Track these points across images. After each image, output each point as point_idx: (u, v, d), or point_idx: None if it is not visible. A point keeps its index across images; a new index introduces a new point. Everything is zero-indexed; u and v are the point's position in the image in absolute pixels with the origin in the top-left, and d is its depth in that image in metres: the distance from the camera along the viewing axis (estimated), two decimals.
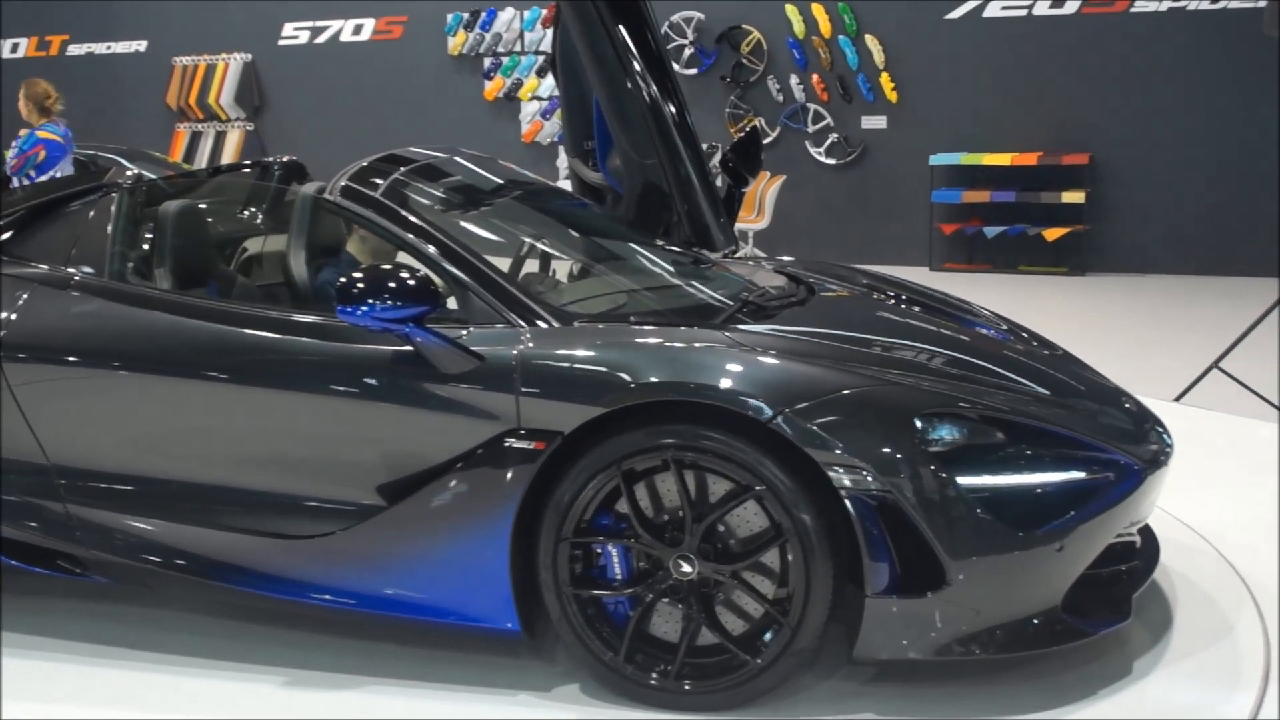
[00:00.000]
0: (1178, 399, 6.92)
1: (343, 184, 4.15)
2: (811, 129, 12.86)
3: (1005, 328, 4.67)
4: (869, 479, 3.34)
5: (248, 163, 5.54)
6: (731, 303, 4.19)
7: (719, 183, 5.33)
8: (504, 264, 4.62)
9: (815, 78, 12.77)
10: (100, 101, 15.08)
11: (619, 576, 3.62)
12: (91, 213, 4.43)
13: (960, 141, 12.25)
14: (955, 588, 3.35)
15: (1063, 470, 3.56)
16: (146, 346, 4.05)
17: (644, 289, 4.36)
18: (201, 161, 14.88)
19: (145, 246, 4.45)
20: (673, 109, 5.03)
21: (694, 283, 4.53)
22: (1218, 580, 4.35)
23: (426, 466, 3.69)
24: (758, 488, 3.41)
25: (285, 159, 5.27)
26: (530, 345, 3.68)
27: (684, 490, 3.49)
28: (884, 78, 12.50)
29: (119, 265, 4.30)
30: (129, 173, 4.66)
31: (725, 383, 3.47)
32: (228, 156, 14.93)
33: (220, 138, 15.24)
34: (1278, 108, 10.93)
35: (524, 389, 3.58)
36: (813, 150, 12.86)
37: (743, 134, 5.66)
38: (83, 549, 4.09)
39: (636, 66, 4.95)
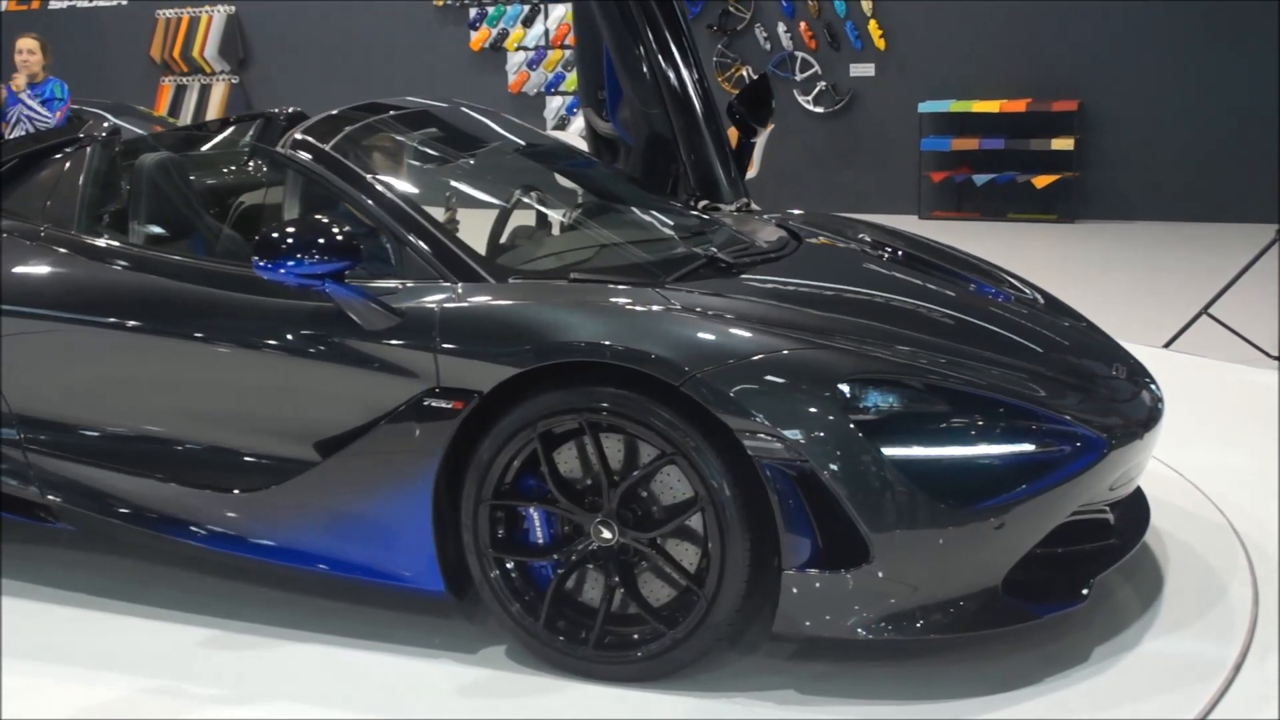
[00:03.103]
0: (1167, 345, 6.91)
1: (297, 136, 4.08)
2: (799, 77, 12.75)
3: (1009, 285, 4.51)
4: (786, 447, 3.18)
5: (253, 114, 5.49)
6: (700, 258, 4.06)
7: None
8: (485, 219, 4.60)
9: (803, 25, 12.65)
10: (83, 55, 14.90)
11: (540, 541, 3.55)
12: (66, 165, 4.43)
13: (948, 89, 12.15)
14: (879, 564, 3.19)
15: (1009, 443, 3.35)
16: (93, 298, 4.06)
17: (616, 245, 4.27)
18: (187, 115, 14.76)
19: (122, 199, 4.46)
20: (679, 57, 4.94)
21: (672, 239, 4.42)
22: (1207, 527, 4.33)
23: (353, 424, 3.64)
24: (671, 454, 3.30)
25: (290, 110, 5.25)
26: (453, 302, 3.61)
27: (599, 454, 3.39)
28: (872, 25, 12.37)
29: (88, 218, 4.30)
30: (105, 125, 4.62)
31: (638, 344, 3.32)
32: (213, 110, 14.80)
33: (205, 91, 15.08)
34: (1278, 52, 10.80)
35: (442, 347, 3.51)
36: (801, 99, 12.75)
37: (752, 82, 5.51)
38: (40, 496, 4.14)
39: (641, 11, 4.86)
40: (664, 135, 4.99)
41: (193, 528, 3.93)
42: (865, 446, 3.19)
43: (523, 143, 4.95)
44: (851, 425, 3.21)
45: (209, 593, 4.12)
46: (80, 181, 4.35)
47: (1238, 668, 3.43)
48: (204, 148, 5.31)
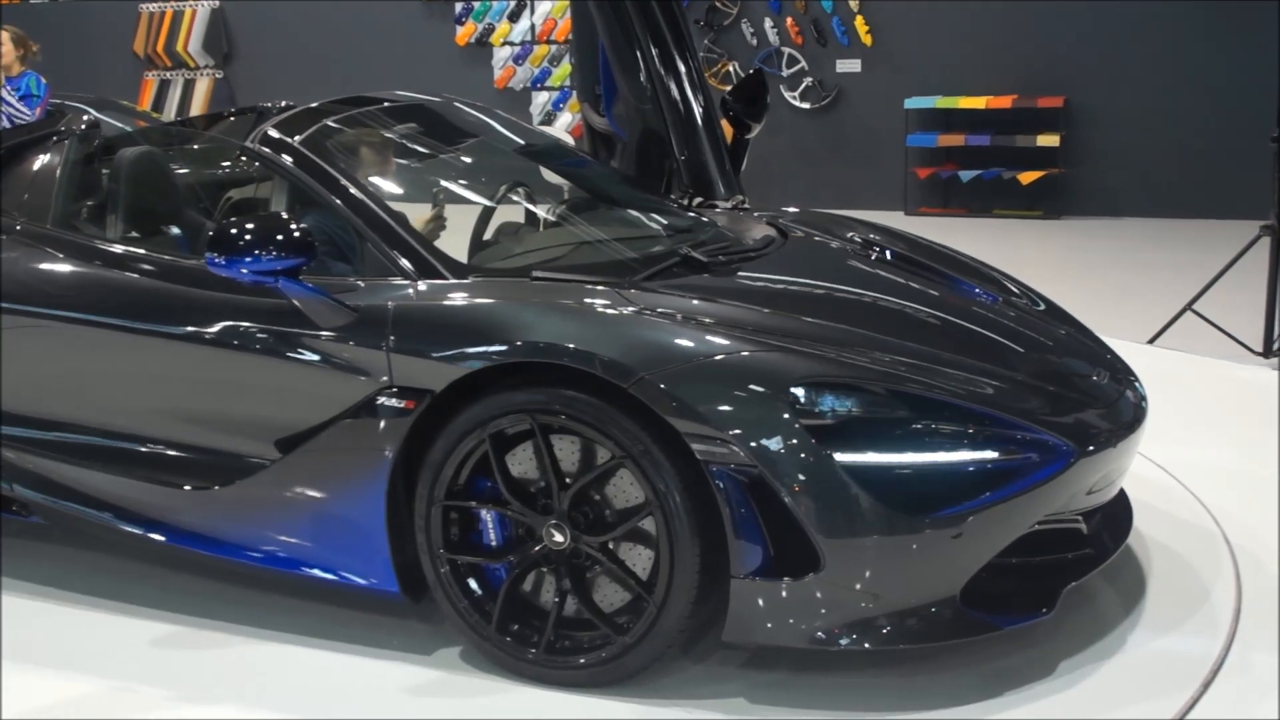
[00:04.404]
0: (1151, 341, 6.88)
1: (267, 130, 4.03)
2: (786, 73, 12.74)
3: (1006, 289, 4.44)
4: (736, 451, 3.09)
5: (246, 108, 5.46)
6: (674, 257, 4.00)
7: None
8: (473, 216, 4.58)
9: (789, 21, 12.63)
10: (65, 49, 14.82)
11: (494, 543, 3.51)
12: (43, 159, 4.41)
13: (935, 85, 12.15)
14: (830, 572, 3.10)
15: (969, 450, 3.24)
16: (54, 293, 4.06)
17: (592, 242, 4.23)
18: (171, 110, 14.69)
19: (101, 194, 4.43)
20: (675, 51, 4.91)
21: (652, 237, 4.38)
22: (1191, 524, 4.30)
23: (309, 422, 3.61)
24: (621, 457, 3.24)
25: (284, 104, 5.22)
26: (408, 300, 3.58)
27: (550, 455, 3.34)
28: (858, 20, 12.36)
29: (64, 212, 4.28)
30: (85, 119, 4.60)
31: (588, 344, 3.26)
32: (197, 105, 14.74)
33: (189, 86, 15.03)
34: (1277, 47, 10.78)
35: (395, 345, 3.46)
36: (787, 94, 12.74)
37: (746, 77, 5.47)
38: (8, 490, 4.13)
39: (638, 7, 4.84)
40: (658, 131, 4.94)
41: (152, 523, 3.92)
42: (816, 452, 3.10)
43: (511, 138, 4.91)
44: (803, 430, 3.13)
45: (172, 588, 4.09)
46: (57, 175, 4.33)
47: (1218, 668, 3.40)
48: (192, 143, 5.29)
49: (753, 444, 3.10)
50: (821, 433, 3.15)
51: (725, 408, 3.15)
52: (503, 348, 3.33)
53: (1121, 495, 3.90)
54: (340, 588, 3.66)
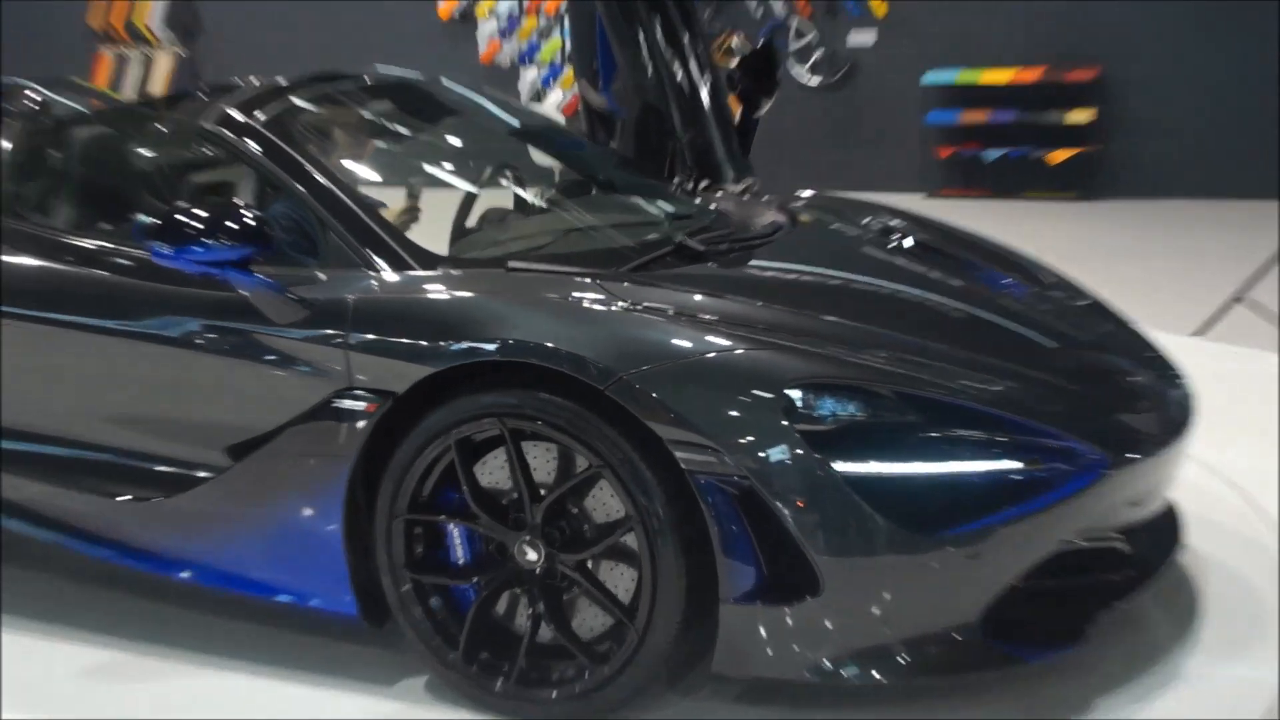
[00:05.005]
0: (1197, 334, 6.85)
1: (224, 108, 4.02)
2: (794, 46, 12.73)
3: (1029, 276, 4.38)
4: (724, 460, 3.02)
5: (218, 86, 5.42)
6: (667, 245, 3.97)
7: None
8: (452, 200, 4.62)
9: None
10: (11, 21, 14.78)
11: (461, 561, 3.47)
12: None
13: (956, 57, 12.13)
14: (830, 596, 3.02)
15: (988, 460, 3.16)
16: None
17: (580, 230, 4.21)
18: (129, 89, 14.69)
19: (52, 179, 4.41)
20: (678, 21, 4.87)
21: (646, 224, 4.35)
22: (1249, 535, 4.23)
23: (262, 427, 3.58)
24: (599, 466, 3.18)
25: (260, 80, 5.17)
26: (370, 293, 3.54)
27: (521, 464, 3.29)
28: None
29: (9, 198, 4.23)
30: (32, 98, 4.61)
31: (560, 342, 3.21)
32: (157, 83, 14.73)
33: (149, 63, 15.02)
34: None
35: (354, 342, 3.43)
36: (796, 69, 12.75)
37: (755, 50, 5.43)
38: None
39: None
40: (659, 109, 4.94)
41: (89, 537, 3.89)
42: (814, 461, 3.02)
43: (499, 117, 4.95)
44: (800, 436, 3.05)
45: (106, 610, 4.07)
46: (2, 159, 4.28)
47: None
48: (151, 124, 5.24)
49: (743, 452, 3.02)
50: (821, 440, 3.07)
51: (713, 412, 3.08)
52: (470, 345, 3.28)
53: (1169, 506, 3.80)
54: (295, 610, 3.61)
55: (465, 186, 4.67)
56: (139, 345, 3.77)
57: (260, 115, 4.01)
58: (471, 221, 4.68)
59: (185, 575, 3.75)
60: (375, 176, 4.23)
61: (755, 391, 3.12)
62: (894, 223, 4.66)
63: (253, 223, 3.46)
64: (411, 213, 4.33)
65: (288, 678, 3.66)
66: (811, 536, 3.00)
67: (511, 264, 3.68)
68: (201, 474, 3.72)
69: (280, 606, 3.62)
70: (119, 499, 3.82)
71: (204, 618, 3.97)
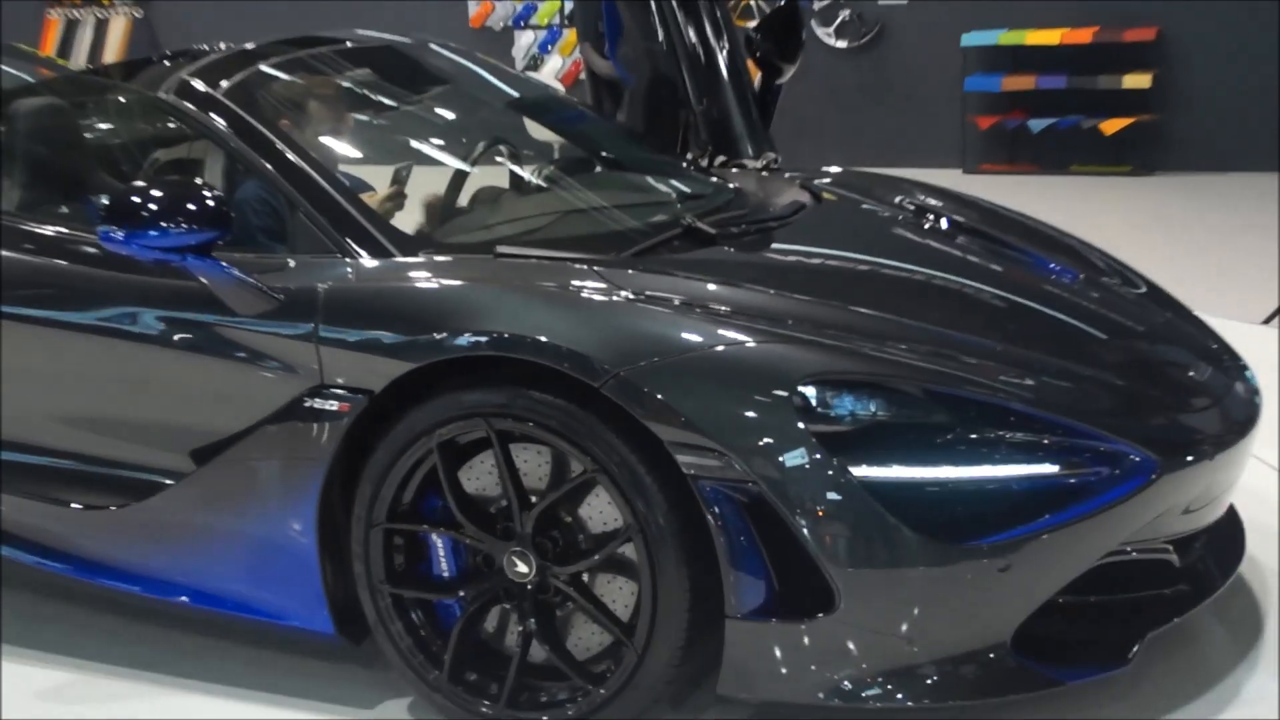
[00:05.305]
0: (1267, 321, 6.83)
1: (183, 76, 4.01)
2: (817, 5, 12.72)
3: (1080, 261, 4.38)
4: (732, 465, 3.03)
5: (180, 53, 5.44)
6: (675, 228, 3.99)
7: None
8: (440, 179, 4.61)
9: None
10: None
11: (446, 574, 3.48)
12: None
13: (998, 17, 12.12)
14: (846, 612, 3.03)
15: (1023, 464, 3.16)
16: None
17: (580, 211, 4.25)
18: (80, 55, 14.69)
19: None
20: None
21: (653, 204, 4.37)
22: None
23: (227, 429, 3.58)
24: (593, 470, 3.19)
25: (227, 45, 5.19)
26: (344, 282, 3.56)
27: (509, 468, 3.30)
28: None
29: None
30: None
31: (551, 335, 3.21)
32: (111, 49, 14.76)
33: (102, 26, 15.06)
34: None
35: (326, 336, 3.44)
36: (820, 31, 12.75)
37: (775, 9, 5.44)
38: None
39: None
40: (671, 77, 4.94)
41: (47, 550, 3.91)
42: (829, 465, 3.03)
43: (494, 86, 4.97)
44: (812, 437, 3.06)
45: (69, 627, 4.08)
46: None
47: None
48: (105, 94, 5.26)
49: (752, 456, 3.03)
50: (839, 442, 3.08)
51: (719, 412, 3.09)
52: (453, 339, 3.28)
53: (1231, 513, 3.82)
54: (266, 627, 3.63)
55: (455, 164, 4.65)
56: (92, 340, 3.79)
57: (224, 84, 4.00)
58: (463, 202, 4.69)
59: (143, 590, 3.77)
60: (355, 153, 4.26)
61: (767, 389, 3.13)
62: (929, 201, 4.66)
63: (214, 204, 3.45)
64: (397, 199, 4.35)
65: (259, 699, 3.67)
66: (828, 548, 3.02)
67: (500, 249, 3.69)
68: (162, 480, 3.73)
69: (250, 622, 3.64)
70: (71, 507, 3.84)
71: (166, 634, 3.98)
